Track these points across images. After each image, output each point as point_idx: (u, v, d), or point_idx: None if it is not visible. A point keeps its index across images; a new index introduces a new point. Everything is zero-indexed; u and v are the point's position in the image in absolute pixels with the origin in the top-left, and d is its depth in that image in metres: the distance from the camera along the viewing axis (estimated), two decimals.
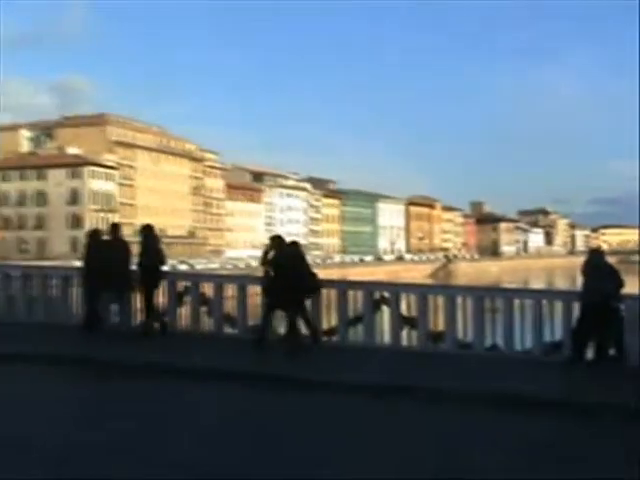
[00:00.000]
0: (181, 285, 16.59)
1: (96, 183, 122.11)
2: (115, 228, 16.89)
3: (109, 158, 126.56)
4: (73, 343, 14.77)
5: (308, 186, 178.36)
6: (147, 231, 16.40)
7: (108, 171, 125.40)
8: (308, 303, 15.19)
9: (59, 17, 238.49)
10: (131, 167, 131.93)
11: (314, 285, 15.14)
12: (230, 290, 16.30)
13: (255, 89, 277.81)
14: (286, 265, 14.61)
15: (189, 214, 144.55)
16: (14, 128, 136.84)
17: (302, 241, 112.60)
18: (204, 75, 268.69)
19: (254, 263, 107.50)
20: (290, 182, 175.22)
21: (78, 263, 19.82)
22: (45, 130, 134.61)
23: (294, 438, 9.30)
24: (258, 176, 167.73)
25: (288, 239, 15.83)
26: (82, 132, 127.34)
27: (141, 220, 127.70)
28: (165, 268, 16.85)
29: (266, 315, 14.83)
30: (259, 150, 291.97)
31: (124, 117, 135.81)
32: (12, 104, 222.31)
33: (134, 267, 16.06)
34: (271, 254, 14.94)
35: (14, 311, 17.62)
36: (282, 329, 15.42)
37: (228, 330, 15.99)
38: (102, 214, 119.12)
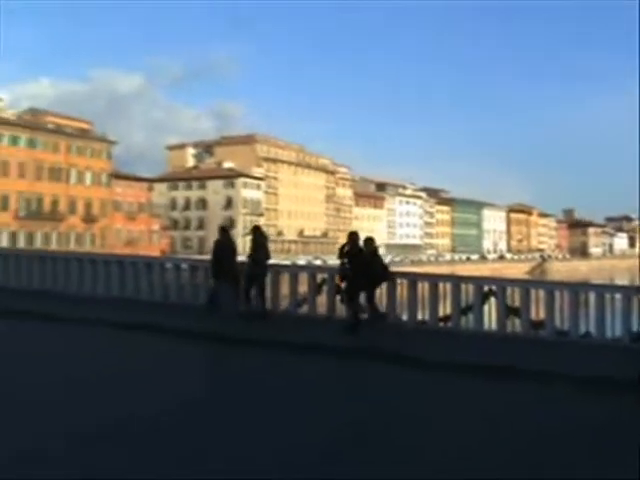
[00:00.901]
0: (320, 277, 16.61)
1: (247, 192, 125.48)
2: (229, 228, 17.84)
3: (257, 171, 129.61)
4: (217, 322, 14.91)
5: (423, 194, 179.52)
6: (257, 231, 16.40)
7: (256, 182, 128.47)
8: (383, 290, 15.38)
9: (217, 54, 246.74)
10: (275, 178, 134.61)
11: (384, 275, 15.10)
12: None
13: (380, 110, 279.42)
14: (359, 257, 14.52)
15: (323, 218, 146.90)
16: (181, 147, 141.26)
17: (418, 242, 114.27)
18: (336, 97, 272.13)
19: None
20: (408, 191, 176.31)
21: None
22: (206, 148, 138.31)
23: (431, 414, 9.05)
24: (381, 186, 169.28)
25: (366, 236, 15.69)
26: (236, 149, 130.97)
27: (283, 222, 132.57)
28: (270, 261, 16.52)
29: (350, 300, 14.72)
30: (383, 163, 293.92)
31: (269, 136, 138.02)
32: (180, 128, 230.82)
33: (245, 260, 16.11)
34: (346, 248, 14.83)
35: (183, 294, 18.07)
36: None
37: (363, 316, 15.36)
38: (251, 217, 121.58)
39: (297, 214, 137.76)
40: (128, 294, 18.10)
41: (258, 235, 16.18)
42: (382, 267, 15.22)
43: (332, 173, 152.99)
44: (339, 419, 8.45)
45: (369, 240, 15.25)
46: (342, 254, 14.84)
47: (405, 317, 15.84)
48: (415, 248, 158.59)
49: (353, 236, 14.92)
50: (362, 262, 14.41)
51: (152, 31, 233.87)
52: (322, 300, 16.50)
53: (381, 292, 15.55)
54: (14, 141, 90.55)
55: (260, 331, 14.21)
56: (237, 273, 15.84)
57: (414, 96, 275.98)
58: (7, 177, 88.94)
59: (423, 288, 15.87)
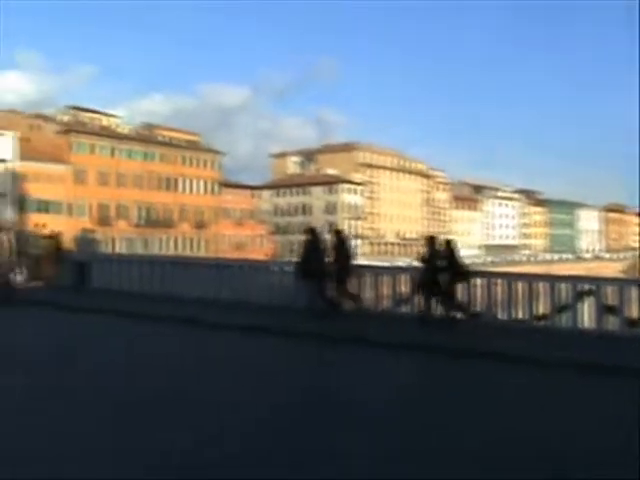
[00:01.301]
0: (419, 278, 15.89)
1: (347, 197, 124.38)
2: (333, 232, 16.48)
3: (357, 177, 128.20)
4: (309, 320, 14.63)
5: (518, 196, 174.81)
6: (339, 234, 16.24)
7: (356, 187, 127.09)
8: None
9: (319, 64, 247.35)
10: (374, 183, 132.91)
11: (462, 274, 14.86)
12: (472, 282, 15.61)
13: (477, 114, 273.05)
14: (435, 258, 14.49)
15: (420, 221, 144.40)
16: (284, 155, 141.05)
17: (514, 242, 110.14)
18: (433, 103, 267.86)
19: (468, 261, 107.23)
20: (504, 193, 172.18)
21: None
22: (308, 156, 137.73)
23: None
24: (477, 189, 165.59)
25: (444, 238, 15.92)
26: (336, 157, 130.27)
27: (383, 226, 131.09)
28: (355, 262, 16.64)
29: (427, 299, 14.57)
30: (480, 166, 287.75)
31: (368, 143, 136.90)
32: (284, 137, 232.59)
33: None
34: (424, 251, 14.93)
35: (287, 296, 17.32)
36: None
37: (457, 315, 15.11)
38: (352, 221, 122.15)
39: (396, 217, 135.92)
40: (238, 296, 17.68)
41: (339, 238, 15.95)
42: (460, 266, 14.85)
43: (429, 177, 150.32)
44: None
45: (448, 242, 15.03)
46: (421, 256, 14.96)
47: (502, 315, 15.43)
48: (511, 249, 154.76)
49: (431, 239, 15.06)
50: (436, 264, 14.39)
51: (259, 44, 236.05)
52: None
53: (474, 291, 15.33)
54: (130, 154, 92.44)
55: (345, 329, 13.80)
56: (324, 273, 15.48)
57: (503, 100, 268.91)
58: (125, 188, 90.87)
59: (519, 287, 15.31)
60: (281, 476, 5.81)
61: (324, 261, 15.47)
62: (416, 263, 16.13)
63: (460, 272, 14.78)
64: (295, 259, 16.42)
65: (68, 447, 6.40)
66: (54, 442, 6.52)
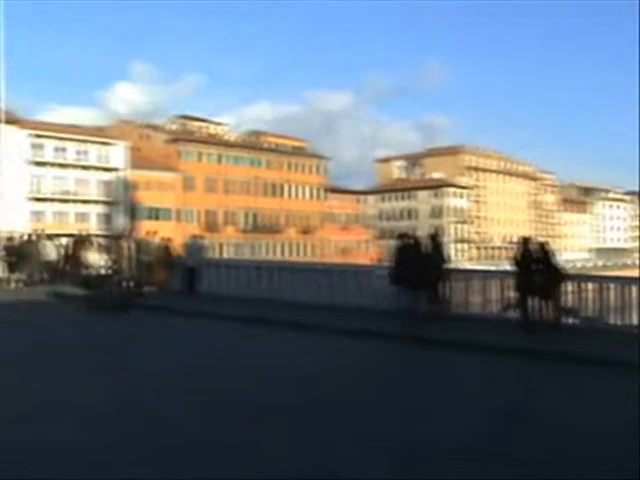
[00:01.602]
0: None
1: (453, 200, 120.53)
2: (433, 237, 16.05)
3: (463, 180, 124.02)
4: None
5: (630, 198, 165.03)
6: (436, 238, 15.95)
7: (462, 191, 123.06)
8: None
9: (421, 71, 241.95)
10: (480, 186, 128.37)
11: (558, 276, 14.00)
12: (569, 286, 14.54)
13: (588, 114, 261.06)
14: (528, 261, 13.84)
15: (528, 224, 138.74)
16: (388, 160, 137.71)
17: (624, 245, 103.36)
18: (541, 105, 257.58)
19: (579, 264, 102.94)
20: (615, 195, 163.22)
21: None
22: (413, 160, 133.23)
23: None
24: (587, 190, 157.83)
25: (539, 240, 15.38)
26: (442, 160, 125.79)
27: (489, 229, 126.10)
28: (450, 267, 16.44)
29: (523, 302, 13.85)
30: (590, 167, 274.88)
31: (474, 146, 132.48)
32: (387, 141, 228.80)
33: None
34: (516, 253, 14.33)
35: (390, 300, 15.81)
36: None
37: (569, 320, 14.44)
38: (458, 225, 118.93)
39: (503, 221, 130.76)
40: (342, 300, 17.09)
41: (435, 242, 15.66)
42: (556, 269, 13.99)
43: (536, 179, 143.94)
44: None
45: (542, 244, 14.45)
46: (514, 258, 14.34)
47: (615, 321, 14.34)
48: (622, 252, 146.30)
49: (524, 240, 14.59)
50: (529, 265, 13.83)
51: (363, 50, 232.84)
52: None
53: (584, 295, 14.58)
54: (237, 161, 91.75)
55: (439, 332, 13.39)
56: (421, 277, 14.78)
57: (609, 98, 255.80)
58: (232, 194, 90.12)
59: (632, 291, 14.06)
60: None
61: (419, 266, 14.79)
62: (509, 266, 15.15)
63: (556, 275, 14.00)
64: (389, 264, 15.58)
65: None
66: None
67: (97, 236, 55.38)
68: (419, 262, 14.74)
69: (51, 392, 8.36)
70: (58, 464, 5.75)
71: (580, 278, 15.22)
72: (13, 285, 23.09)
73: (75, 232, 28.32)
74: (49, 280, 23.29)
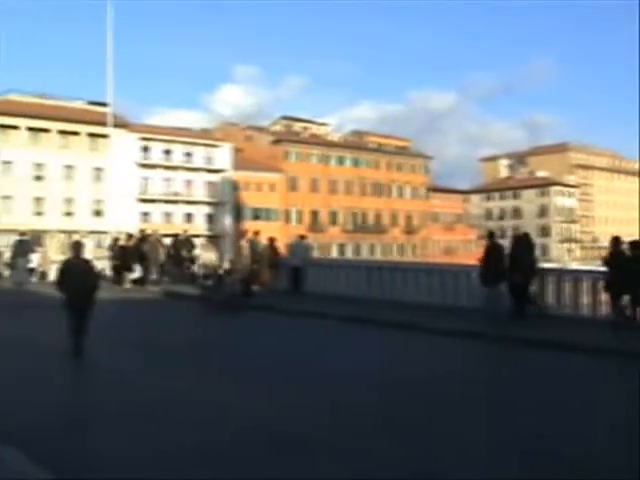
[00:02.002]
0: None
1: (560, 199, 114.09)
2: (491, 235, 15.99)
3: (570, 179, 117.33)
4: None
5: None
6: (524, 239, 15.23)
7: (569, 189, 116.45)
8: None
9: (526, 69, 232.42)
10: (588, 185, 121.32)
11: None
12: None
13: None
14: (620, 260, 13.22)
15: (639, 223, 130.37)
16: (494, 159, 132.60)
17: None
18: None
19: None
20: None
21: (548, 265, 18.90)
22: (518, 159, 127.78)
23: None
24: None
25: (633, 240, 14.25)
26: (548, 159, 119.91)
27: (597, 229, 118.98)
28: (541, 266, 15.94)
29: (615, 301, 13.24)
30: None
31: (582, 144, 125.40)
32: (491, 140, 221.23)
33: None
34: (608, 253, 13.83)
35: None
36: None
37: None
38: (565, 225, 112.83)
39: (611, 220, 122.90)
40: (437, 300, 16.69)
41: (524, 243, 15.10)
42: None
43: None
44: None
45: (633, 243, 13.59)
46: (604, 261, 13.80)
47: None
48: None
49: (614, 241, 13.80)
50: (621, 265, 13.05)
51: (465, 48, 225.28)
52: None
53: None
54: (341, 161, 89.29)
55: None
56: (504, 277, 14.53)
57: None
58: (335, 194, 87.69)
59: None
60: None
61: (504, 266, 14.55)
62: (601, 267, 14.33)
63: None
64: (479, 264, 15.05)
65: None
66: None
67: (200, 236, 54.02)
68: (503, 262, 14.52)
69: (263, 412, 7.20)
70: None
71: None
72: (128, 285, 22.69)
73: (179, 232, 27.19)
74: (160, 280, 23.18)
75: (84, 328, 10.41)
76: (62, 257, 24.74)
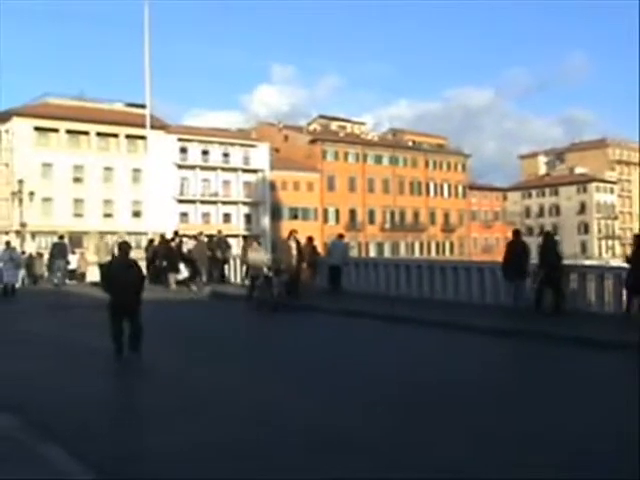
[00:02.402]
0: None
1: (599, 196, 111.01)
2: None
3: (609, 175, 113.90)
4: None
5: None
6: (547, 236, 15.65)
7: (609, 185, 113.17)
8: None
9: (562, 65, 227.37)
10: (628, 181, 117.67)
11: None
12: None
13: None
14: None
15: None
16: (533, 156, 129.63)
17: None
18: None
19: None
20: None
21: (587, 262, 18.38)
22: (557, 155, 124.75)
23: None
24: None
25: None
26: (587, 155, 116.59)
27: (636, 225, 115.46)
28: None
29: (629, 300, 13.16)
30: None
31: (622, 139, 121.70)
32: (531, 137, 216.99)
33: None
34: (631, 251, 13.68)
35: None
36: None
37: None
38: (604, 221, 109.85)
39: None
40: (475, 298, 16.40)
41: (548, 240, 15.06)
42: None
43: None
44: None
45: None
46: (626, 258, 14.13)
47: None
48: None
49: (636, 238, 13.61)
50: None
51: (502, 45, 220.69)
52: None
53: None
54: (378, 160, 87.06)
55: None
56: (526, 274, 14.48)
57: None
58: (373, 193, 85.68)
59: None
60: None
61: (526, 262, 14.64)
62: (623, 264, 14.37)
63: None
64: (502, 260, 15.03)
65: None
66: None
67: (238, 236, 52.65)
68: (523, 258, 14.62)
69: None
70: None
71: None
72: (174, 286, 22.25)
73: (213, 233, 26.65)
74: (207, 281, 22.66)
75: (136, 330, 10.17)
76: (96, 258, 24.65)
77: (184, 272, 23.10)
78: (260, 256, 18.23)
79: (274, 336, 13.36)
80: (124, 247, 10.99)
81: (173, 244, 23.38)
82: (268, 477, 5.02)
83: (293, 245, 18.52)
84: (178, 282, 22.51)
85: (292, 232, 19.21)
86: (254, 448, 5.68)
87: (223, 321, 15.57)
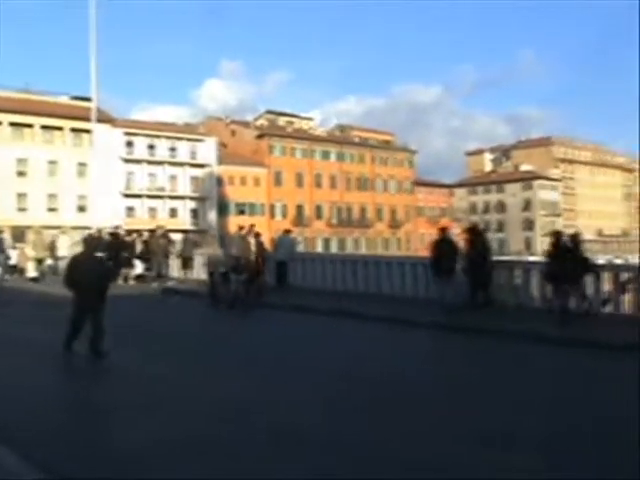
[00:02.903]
0: (623, 276, 14.38)
1: (544, 193, 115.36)
2: None
3: (554, 172, 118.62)
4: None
5: None
6: (475, 232, 15.97)
7: (553, 183, 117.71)
8: None
9: (511, 64, 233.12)
10: (571, 179, 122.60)
11: (584, 266, 13.60)
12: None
13: None
14: (561, 252, 13.71)
15: (621, 217, 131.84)
16: (479, 152, 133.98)
17: None
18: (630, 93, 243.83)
19: None
20: None
21: (531, 258, 19.58)
22: (503, 152, 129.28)
23: None
24: None
25: (569, 232, 15.68)
26: (532, 152, 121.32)
27: (581, 222, 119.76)
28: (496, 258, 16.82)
29: (553, 291, 13.89)
30: None
31: (565, 138, 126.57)
32: (476, 134, 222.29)
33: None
34: (550, 245, 14.38)
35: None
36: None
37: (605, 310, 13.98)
38: (548, 218, 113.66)
39: (595, 214, 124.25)
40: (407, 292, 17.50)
41: (476, 235, 15.73)
42: (582, 260, 13.67)
43: (630, 171, 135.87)
44: None
45: (573, 236, 14.43)
46: (547, 253, 14.52)
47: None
48: None
49: (555, 234, 14.69)
50: (559, 256, 13.61)
51: (451, 42, 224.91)
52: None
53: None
54: (325, 155, 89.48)
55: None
56: (453, 269, 15.14)
57: None
58: (320, 188, 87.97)
59: None
60: None
61: (454, 258, 15.11)
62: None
63: (582, 265, 13.65)
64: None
65: None
66: None
67: (187, 232, 54.09)
68: (452, 254, 15.11)
69: None
70: None
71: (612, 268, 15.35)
72: (132, 282, 22.55)
73: (153, 227, 26.84)
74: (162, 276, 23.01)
75: (98, 331, 9.86)
76: (34, 254, 24.89)
77: (139, 267, 23.43)
78: (217, 252, 18.21)
79: (230, 333, 13.36)
80: (88, 241, 10.83)
81: (129, 239, 23.86)
82: (235, 474, 5.16)
83: (252, 241, 18.67)
84: (133, 277, 22.85)
85: (251, 227, 19.46)
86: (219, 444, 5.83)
87: (180, 317, 15.67)
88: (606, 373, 9.20)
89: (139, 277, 23.07)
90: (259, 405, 7.13)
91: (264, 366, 9.49)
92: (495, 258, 16.55)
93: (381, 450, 5.68)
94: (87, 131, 55.41)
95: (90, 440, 5.97)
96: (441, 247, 15.21)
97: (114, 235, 23.99)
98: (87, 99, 51.10)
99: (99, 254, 10.98)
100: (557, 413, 7.02)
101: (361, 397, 7.61)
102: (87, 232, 24.17)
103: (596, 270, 14.00)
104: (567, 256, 13.51)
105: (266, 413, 6.80)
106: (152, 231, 24.74)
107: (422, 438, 6.05)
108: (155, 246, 22.97)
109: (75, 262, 10.33)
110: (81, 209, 62.98)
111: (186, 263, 23.46)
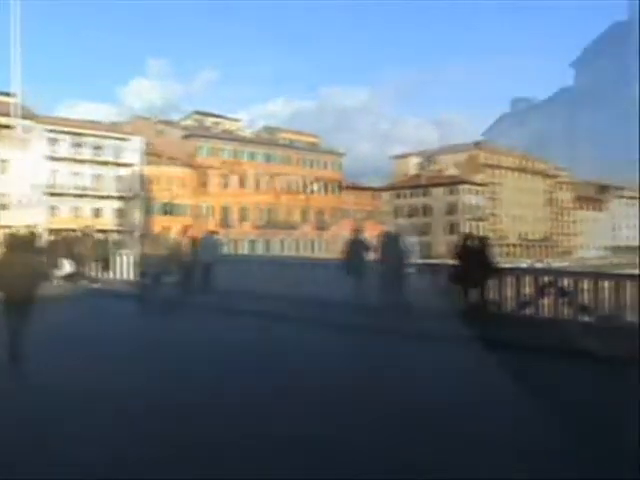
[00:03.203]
0: (542, 280, 14.94)
1: (469, 198, 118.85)
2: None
3: (478, 177, 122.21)
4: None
5: None
6: (387, 235, 16.54)
7: (478, 188, 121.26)
8: None
9: (439, 69, 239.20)
10: (496, 184, 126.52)
11: (490, 271, 14.35)
12: (586, 284, 14.24)
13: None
14: (468, 255, 14.37)
15: (543, 222, 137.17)
16: (405, 157, 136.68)
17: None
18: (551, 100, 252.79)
19: (596, 262, 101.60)
20: (631, 192, 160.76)
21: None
22: (429, 157, 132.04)
23: None
24: (603, 188, 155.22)
25: (478, 235, 16.38)
26: (457, 157, 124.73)
27: (504, 227, 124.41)
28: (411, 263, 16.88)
29: (461, 292, 14.39)
30: (606, 166, 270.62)
31: (490, 144, 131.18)
32: (403, 138, 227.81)
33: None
34: (457, 248, 14.94)
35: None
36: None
37: (584, 319, 13.90)
38: (473, 222, 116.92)
39: (518, 218, 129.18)
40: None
41: (389, 238, 16.19)
42: (488, 264, 14.43)
43: (552, 177, 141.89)
44: None
45: (480, 239, 15.46)
46: (454, 255, 14.99)
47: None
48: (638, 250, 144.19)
49: (463, 237, 15.38)
50: (465, 259, 14.32)
51: (379, 46, 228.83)
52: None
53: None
54: (252, 157, 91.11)
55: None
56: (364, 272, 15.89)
57: None
58: (247, 190, 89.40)
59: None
60: None
61: (364, 261, 15.94)
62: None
63: (489, 269, 14.36)
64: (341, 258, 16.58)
65: None
66: None
67: (110, 232, 54.94)
68: (363, 258, 16.00)
69: None
70: None
71: (512, 271, 15.72)
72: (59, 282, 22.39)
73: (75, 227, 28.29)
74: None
75: (23, 331, 9.55)
76: None
77: (67, 268, 23.57)
78: (145, 252, 18.26)
79: (161, 336, 13.33)
80: (12, 240, 10.48)
81: (53, 238, 24.87)
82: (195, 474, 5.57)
83: (185, 242, 18.93)
84: (60, 278, 22.80)
85: (187, 227, 20.02)
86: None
87: (111, 320, 15.73)
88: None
89: (67, 277, 23.16)
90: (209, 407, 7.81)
91: (200, 369, 9.99)
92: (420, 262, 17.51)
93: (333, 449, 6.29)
94: (8, 127, 55.53)
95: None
96: (352, 248, 16.23)
97: (32, 234, 23.86)
98: (7, 94, 51.26)
99: (26, 254, 10.52)
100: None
101: (302, 400, 8.12)
102: (7, 231, 23.45)
103: (498, 275, 14.53)
104: (472, 259, 14.18)
105: (216, 414, 7.58)
106: (75, 230, 25.39)
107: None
108: (82, 247, 23.40)
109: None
110: (2, 207, 62.71)
111: (107, 264, 23.86)
